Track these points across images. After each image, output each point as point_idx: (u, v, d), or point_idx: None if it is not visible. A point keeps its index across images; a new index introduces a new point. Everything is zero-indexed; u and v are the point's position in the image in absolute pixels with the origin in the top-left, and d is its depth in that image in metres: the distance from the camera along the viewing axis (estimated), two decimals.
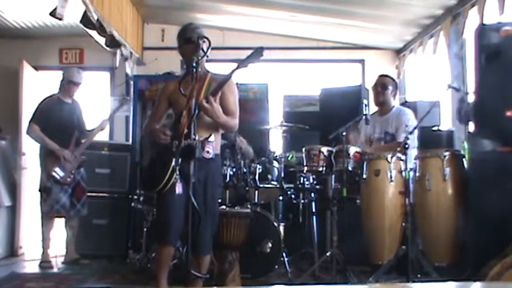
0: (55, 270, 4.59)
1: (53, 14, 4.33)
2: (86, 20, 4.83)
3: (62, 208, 4.83)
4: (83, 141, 5.04)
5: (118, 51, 6.00)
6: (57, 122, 4.90)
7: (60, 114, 4.97)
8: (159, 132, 3.28)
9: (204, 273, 3.35)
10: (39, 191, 4.91)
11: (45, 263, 4.86)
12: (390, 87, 4.56)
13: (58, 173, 4.80)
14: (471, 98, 3.91)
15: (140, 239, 4.84)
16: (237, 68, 3.16)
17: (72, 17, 4.84)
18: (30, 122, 4.93)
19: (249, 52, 3.20)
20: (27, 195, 5.61)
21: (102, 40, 5.46)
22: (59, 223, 5.07)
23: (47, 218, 4.90)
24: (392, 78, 4.78)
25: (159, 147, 3.30)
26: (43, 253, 4.92)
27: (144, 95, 6.25)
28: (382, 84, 4.58)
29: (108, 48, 5.70)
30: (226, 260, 3.96)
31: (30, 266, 4.56)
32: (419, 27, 5.94)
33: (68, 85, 5.02)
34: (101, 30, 5.15)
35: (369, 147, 4.56)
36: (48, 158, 4.85)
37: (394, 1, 5.24)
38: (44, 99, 5.06)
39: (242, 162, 4.56)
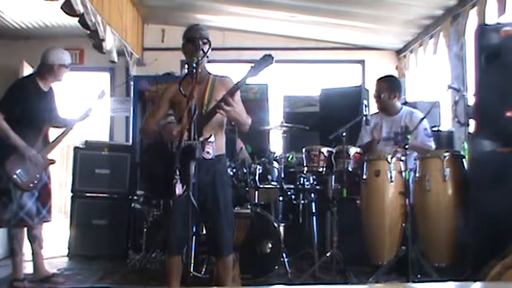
0: (55, 270, 4.57)
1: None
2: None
3: (27, 216, 3.98)
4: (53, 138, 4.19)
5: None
6: (27, 112, 3.96)
7: (34, 102, 4.02)
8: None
9: (229, 274, 3.31)
10: None
11: (17, 282, 4.06)
12: (385, 93, 4.49)
13: (20, 176, 3.90)
14: (471, 99, 3.90)
15: (140, 239, 4.85)
16: (247, 76, 3.10)
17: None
18: None
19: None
20: None
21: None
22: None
23: (10, 227, 4.06)
24: (391, 79, 4.67)
25: (161, 150, 3.19)
26: (14, 270, 4.09)
27: (144, 96, 6.26)
28: (376, 91, 4.55)
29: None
30: None
31: (30, 266, 4.53)
32: (420, 28, 5.95)
33: (59, 69, 4.11)
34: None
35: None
36: (8, 155, 3.90)
37: (394, 1, 5.25)
38: (18, 81, 4.23)
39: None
